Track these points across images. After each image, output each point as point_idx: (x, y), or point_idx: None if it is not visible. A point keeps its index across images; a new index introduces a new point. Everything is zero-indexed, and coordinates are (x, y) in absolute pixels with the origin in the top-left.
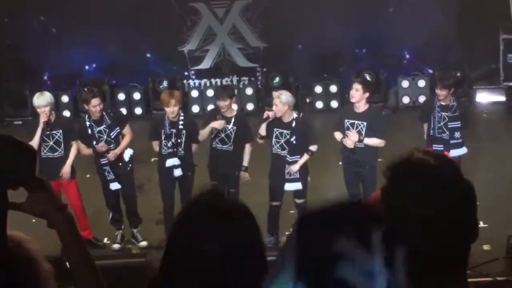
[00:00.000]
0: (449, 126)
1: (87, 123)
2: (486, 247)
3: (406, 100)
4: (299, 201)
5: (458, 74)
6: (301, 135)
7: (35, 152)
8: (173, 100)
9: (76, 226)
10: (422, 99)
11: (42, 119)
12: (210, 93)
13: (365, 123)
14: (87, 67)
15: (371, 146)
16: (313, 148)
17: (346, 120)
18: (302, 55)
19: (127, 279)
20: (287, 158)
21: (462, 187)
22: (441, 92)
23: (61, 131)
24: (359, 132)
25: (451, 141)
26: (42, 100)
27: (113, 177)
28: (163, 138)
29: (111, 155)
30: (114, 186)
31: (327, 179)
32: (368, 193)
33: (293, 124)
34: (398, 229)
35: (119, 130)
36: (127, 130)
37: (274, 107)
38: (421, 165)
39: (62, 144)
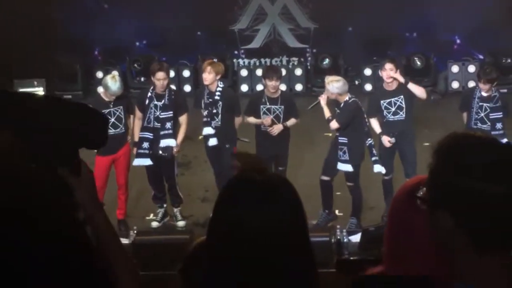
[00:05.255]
0: (490, 117)
1: (149, 94)
2: None
3: (455, 85)
4: (349, 183)
5: (509, 60)
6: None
7: (107, 119)
8: (209, 67)
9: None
10: (471, 84)
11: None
12: (259, 72)
13: (402, 96)
14: (137, 43)
15: (409, 120)
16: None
17: (382, 102)
18: (352, 37)
19: (171, 255)
20: (339, 139)
21: None
22: (484, 86)
23: (121, 107)
24: (399, 108)
25: (493, 132)
26: (118, 87)
27: (146, 152)
28: (202, 107)
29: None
30: (142, 161)
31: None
32: (410, 171)
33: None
34: (455, 208)
35: (170, 115)
36: (183, 119)
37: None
38: (480, 141)
39: (123, 121)
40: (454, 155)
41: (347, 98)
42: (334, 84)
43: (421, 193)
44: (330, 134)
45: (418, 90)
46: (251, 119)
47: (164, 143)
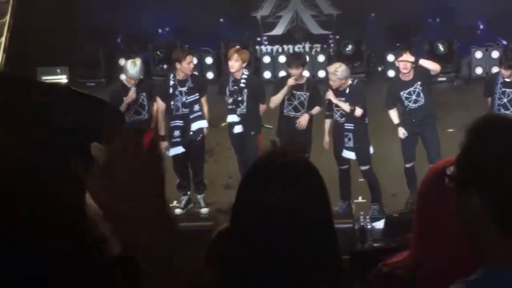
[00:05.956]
0: None
1: (171, 82)
2: None
3: (479, 71)
4: (363, 168)
5: None
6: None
7: (123, 114)
8: (235, 55)
9: None
10: (495, 70)
11: (130, 98)
12: (282, 59)
13: (419, 83)
14: (160, 30)
15: (430, 104)
16: (358, 112)
17: (401, 93)
18: (375, 23)
19: (194, 242)
20: (345, 125)
21: None
22: (506, 72)
23: (145, 94)
24: (418, 95)
25: None
26: (137, 71)
27: (179, 140)
28: (227, 94)
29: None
30: (175, 150)
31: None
32: (434, 156)
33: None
34: (483, 187)
35: (197, 97)
36: (204, 100)
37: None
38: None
39: (146, 107)
40: (487, 135)
41: (350, 81)
42: (340, 69)
43: (450, 171)
44: None
45: (430, 64)
46: (276, 97)
47: (195, 126)
